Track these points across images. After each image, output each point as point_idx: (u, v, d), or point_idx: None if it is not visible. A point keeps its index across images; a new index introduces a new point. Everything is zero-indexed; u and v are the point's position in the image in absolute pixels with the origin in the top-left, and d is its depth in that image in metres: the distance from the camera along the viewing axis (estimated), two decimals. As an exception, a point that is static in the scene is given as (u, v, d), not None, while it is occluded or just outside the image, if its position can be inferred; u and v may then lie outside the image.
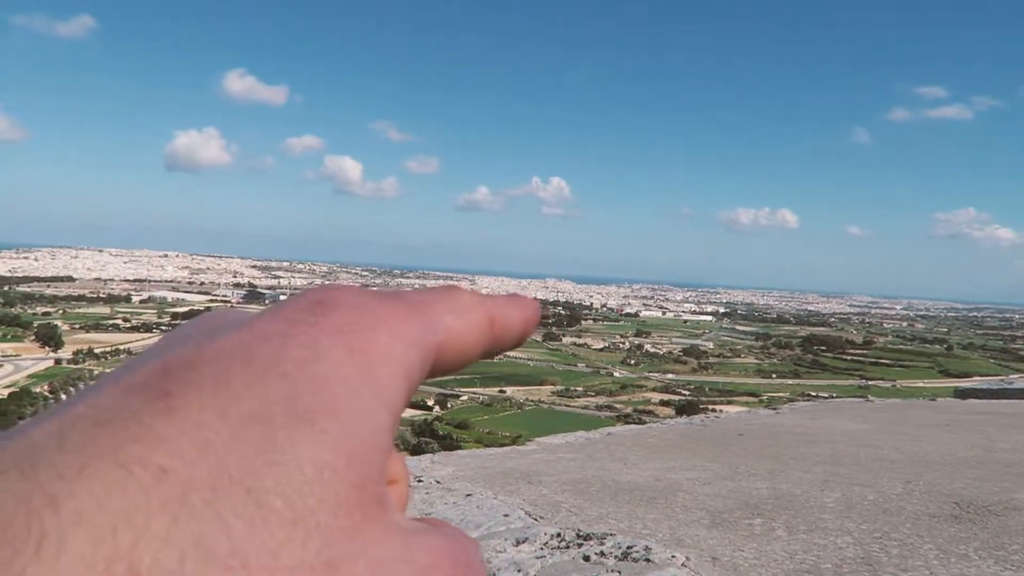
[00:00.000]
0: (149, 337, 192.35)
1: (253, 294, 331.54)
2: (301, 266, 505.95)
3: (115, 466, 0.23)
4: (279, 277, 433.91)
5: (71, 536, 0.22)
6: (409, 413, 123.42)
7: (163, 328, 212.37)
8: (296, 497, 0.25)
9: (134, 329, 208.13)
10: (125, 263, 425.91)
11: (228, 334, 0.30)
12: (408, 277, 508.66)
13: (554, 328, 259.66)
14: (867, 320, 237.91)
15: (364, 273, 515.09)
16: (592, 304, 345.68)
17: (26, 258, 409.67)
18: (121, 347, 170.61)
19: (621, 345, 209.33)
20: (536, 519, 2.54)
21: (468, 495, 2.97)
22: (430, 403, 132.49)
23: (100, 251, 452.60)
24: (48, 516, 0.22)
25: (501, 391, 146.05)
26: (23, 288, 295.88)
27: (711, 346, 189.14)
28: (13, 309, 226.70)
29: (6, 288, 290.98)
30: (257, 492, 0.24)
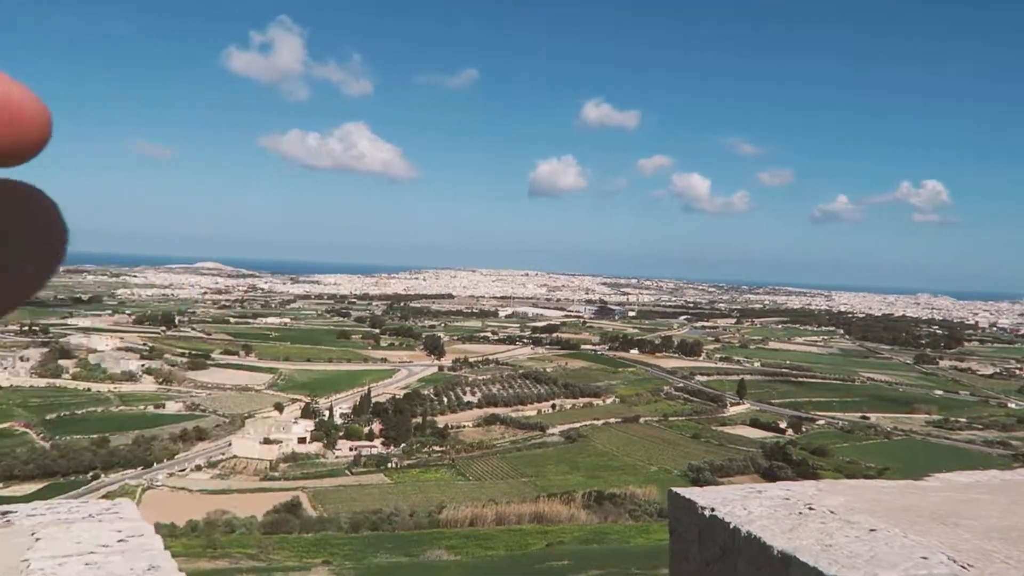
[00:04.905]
0: (513, 348, 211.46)
1: (604, 310, 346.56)
2: (648, 283, 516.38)
3: None
4: (627, 293, 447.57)
5: None
6: (759, 434, 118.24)
7: (524, 340, 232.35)
8: None
9: (501, 341, 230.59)
10: (493, 281, 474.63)
11: None
12: (757, 293, 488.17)
13: (928, 350, 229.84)
14: None
15: (711, 289, 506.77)
16: (977, 323, 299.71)
17: (416, 278, 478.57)
18: (490, 357, 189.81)
19: (1018, 371, 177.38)
20: (964, 567, 2.39)
21: (872, 530, 2.76)
22: (782, 426, 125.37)
23: (473, 271, 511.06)
24: None
25: (864, 417, 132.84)
26: (414, 304, 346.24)
27: None
28: (407, 322, 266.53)
29: (402, 304, 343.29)
30: None
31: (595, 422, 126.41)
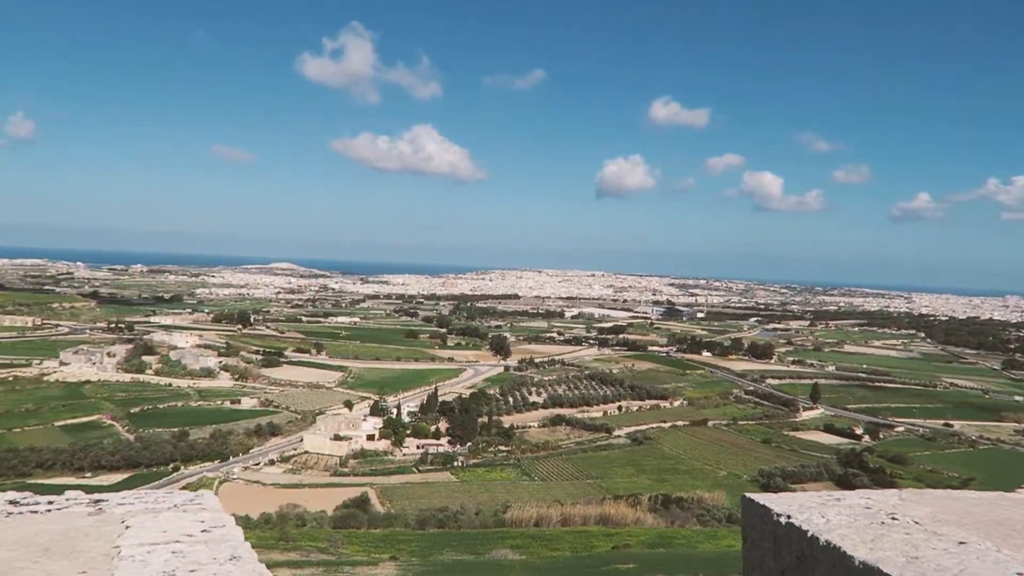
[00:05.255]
0: (579, 349, 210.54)
1: (671, 311, 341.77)
2: (718, 284, 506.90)
3: None
4: (696, 295, 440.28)
5: None
6: (833, 440, 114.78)
7: (590, 341, 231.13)
8: None
9: (566, 342, 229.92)
10: (559, 282, 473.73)
11: None
12: (832, 295, 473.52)
13: (1017, 355, 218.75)
14: None
15: (782, 290, 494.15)
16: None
17: (483, 279, 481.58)
18: (556, 357, 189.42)
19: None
20: (1063, 585, 2.20)
21: (961, 543, 2.66)
22: (858, 432, 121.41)
23: (539, 272, 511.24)
24: None
25: (946, 424, 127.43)
26: (481, 304, 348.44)
27: None
28: (474, 322, 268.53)
29: (469, 304, 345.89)
30: None
31: (662, 425, 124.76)
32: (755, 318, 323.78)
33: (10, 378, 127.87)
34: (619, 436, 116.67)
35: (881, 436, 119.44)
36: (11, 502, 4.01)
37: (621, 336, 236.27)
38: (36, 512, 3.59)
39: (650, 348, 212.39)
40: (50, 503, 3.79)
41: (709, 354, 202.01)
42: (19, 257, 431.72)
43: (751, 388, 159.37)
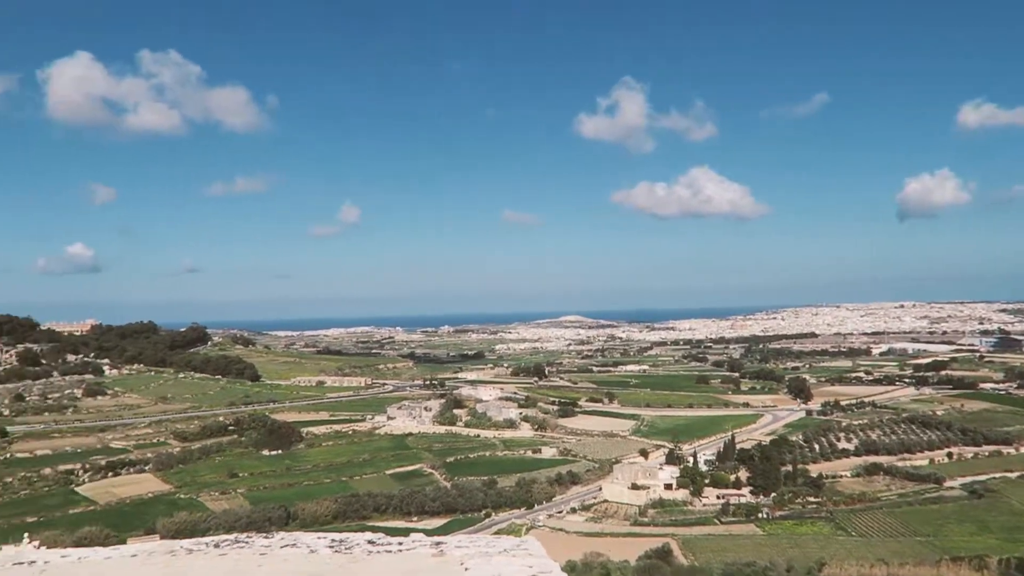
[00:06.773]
0: (892, 390, 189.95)
1: (1006, 341, 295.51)
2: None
3: None
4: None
5: None
6: None
7: (905, 380, 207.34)
8: None
9: (876, 382, 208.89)
10: (862, 317, 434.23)
11: None
12: None
13: None
14: None
15: None
16: None
17: (774, 318, 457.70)
18: (865, 399, 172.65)
19: None
20: None
21: None
22: None
23: (838, 307, 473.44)
24: None
25: None
26: (774, 345, 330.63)
27: None
28: (767, 364, 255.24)
29: (760, 346, 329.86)
30: None
31: (1007, 474, 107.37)
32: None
33: (350, 432, 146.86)
34: (952, 487, 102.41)
35: None
36: (369, 542, 4.72)
37: (943, 373, 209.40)
38: (390, 551, 4.17)
39: (981, 385, 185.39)
40: (400, 544, 4.38)
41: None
42: (352, 326, 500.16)
43: None
